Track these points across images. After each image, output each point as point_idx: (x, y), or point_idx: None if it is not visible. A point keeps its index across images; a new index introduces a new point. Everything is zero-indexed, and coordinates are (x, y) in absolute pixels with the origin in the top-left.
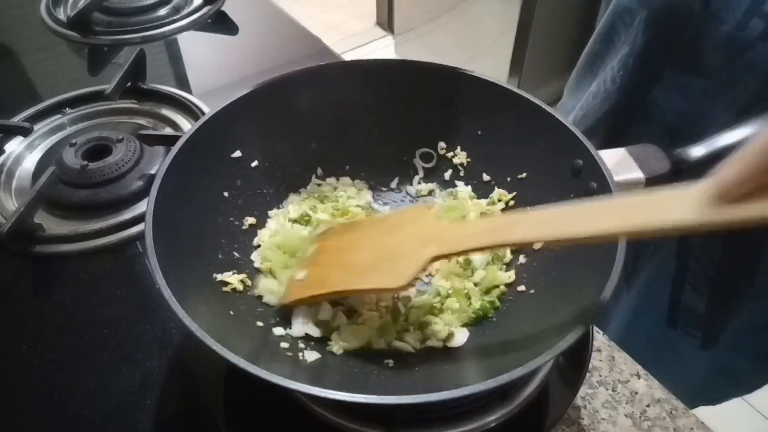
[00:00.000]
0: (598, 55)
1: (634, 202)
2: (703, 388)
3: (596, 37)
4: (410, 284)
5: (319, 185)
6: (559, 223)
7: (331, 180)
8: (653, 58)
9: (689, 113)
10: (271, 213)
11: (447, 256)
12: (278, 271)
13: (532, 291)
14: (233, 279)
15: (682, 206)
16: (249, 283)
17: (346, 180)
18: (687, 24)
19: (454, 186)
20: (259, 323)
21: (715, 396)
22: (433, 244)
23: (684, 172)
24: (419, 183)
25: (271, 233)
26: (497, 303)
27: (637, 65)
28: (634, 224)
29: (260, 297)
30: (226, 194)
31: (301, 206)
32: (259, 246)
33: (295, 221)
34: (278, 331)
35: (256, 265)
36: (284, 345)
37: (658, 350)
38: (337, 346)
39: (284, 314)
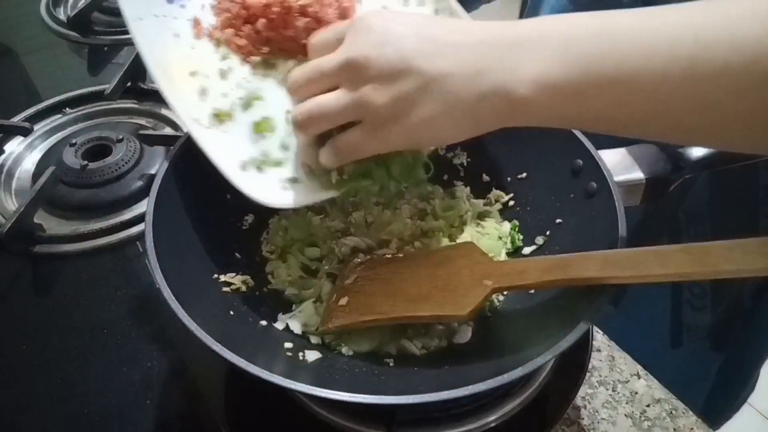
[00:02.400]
0: None
1: (700, 248)
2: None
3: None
4: (474, 315)
5: None
6: (625, 263)
7: None
8: None
9: None
10: None
11: (508, 289)
12: (285, 255)
13: (533, 291)
14: (236, 280)
15: (747, 254)
16: (252, 284)
17: None
18: None
19: (453, 186)
20: (260, 323)
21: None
22: (494, 276)
23: (684, 172)
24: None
25: (281, 217)
26: (496, 303)
27: None
28: (700, 270)
29: (260, 297)
30: (225, 194)
31: None
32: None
33: (309, 209)
34: (280, 326)
35: (264, 252)
36: (287, 345)
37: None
38: (346, 348)
39: (284, 314)
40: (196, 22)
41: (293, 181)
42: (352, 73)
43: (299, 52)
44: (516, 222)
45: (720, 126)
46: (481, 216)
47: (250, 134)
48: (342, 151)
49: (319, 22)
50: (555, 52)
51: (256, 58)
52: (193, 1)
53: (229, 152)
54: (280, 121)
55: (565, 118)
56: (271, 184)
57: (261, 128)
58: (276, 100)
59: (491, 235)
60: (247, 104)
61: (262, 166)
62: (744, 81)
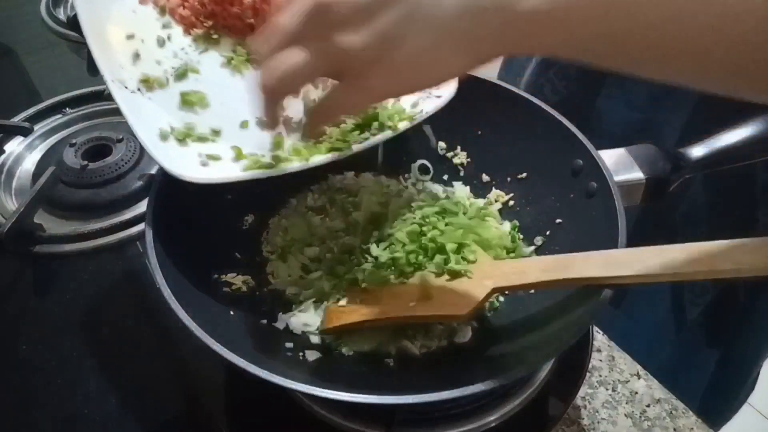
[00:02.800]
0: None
1: (700, 248)
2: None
3: None
4: (474, 315)
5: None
6: (625, 263)
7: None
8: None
9: (636, 120)
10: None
11: (508, 289)
12: (285, 255)
13: (533, 291)
14: (237, 280)
15: (746, 254)
16: (252, 284)
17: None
18: None
19: (452, 186)
20: (260, 323)
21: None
22: (495, 276)
23: (684, 172)
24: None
25: (281, 217)
26: (496, 304)
27: (578, 75)
28: (700, 269)
29: (260, 297)
30: (225, 194)
31: (321, 197)
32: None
33: (310, 209)
34: (280, 326)
35: (264, 252)
36: (287, 345)
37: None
38: (346, 348)
39: (284, 313)
40: None
41: (214, 157)
42: (319, 22)
43: (244, 31)
44: (516, 222)
45: (752, 66)
46: (481, 216)
47: (177, 105)
48: (325, 116)
49: (266, 1)
50: None
51: (198, 31)
52: None
53: (150, 118)
54: (215, 101)
55: (574, 41)
56: (191, 159)
57: (190, 101)
58: (213, 79)
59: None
60: (181, 75)
61: (185, 138)
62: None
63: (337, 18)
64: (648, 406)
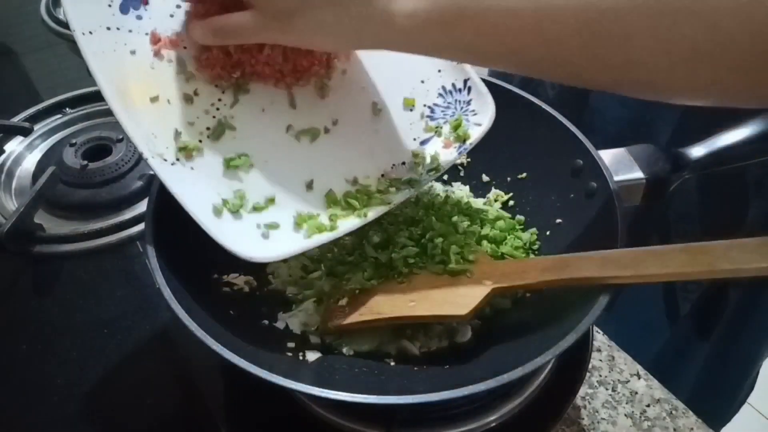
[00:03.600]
0: None
1: (700, 248)
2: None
3: None
4: (474, 315)
5: None
6: (625, 263)
7: None
8: None
9: (630, 119)
10: None
11: (508, 289)
12: None
13: (533, 291)
14: (239, 281)
15: (746, 254)
16: (255, 284)
17: None
18: None
19: (452, 186)
20: (260, 323)
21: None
22: (495, 276)
23: (684, 172)
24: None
25: None
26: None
27: None
28: (699, 269)
29: (261, 297)
30: None
31: None
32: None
33: None
34: (280, 325)
35: None
36: (288, 345)
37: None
38: (346, 348)
39: (284, 313)
40: (154, 37)
41: (273, 227)
42: None
43: (274, 77)
44: (535, 230)
45: (565, 61)
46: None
47: (221, 171)
48: (225, 31)
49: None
50: None
51: (225, 83)
52: (152, 11)
53: (199, 193)
54: (258, 159)
55: (438, 47)
56: (250, 232)
57: (234, 165)
58: (252, 132)
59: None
60: (217, 135)
61: (238, 210)
62: (580, 17)
63: None
64: (648, 406)
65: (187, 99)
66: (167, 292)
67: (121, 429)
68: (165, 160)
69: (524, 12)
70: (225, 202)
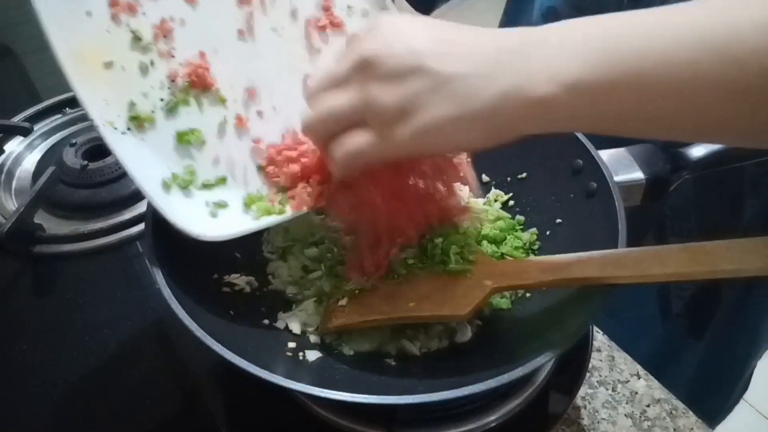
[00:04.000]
0: None
1: (700, 248)
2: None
3: None
4: (473, 315)
5: None
6: (625, 263)
7: None
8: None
9: None
10: None
11: (508, 289)
12: (286, 255)
13: (533, 291)
14: (240, 281)
15: (746, 254)
16: (256, 285)
17: None
18: None
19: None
20: (260, 323)
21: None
22: (495, 276)
23: (683, 172)
24: None
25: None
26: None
27: None
28: (699, 269)
29: (261, 297)
30: None
31: None
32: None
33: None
34: (280, 325)
35: (265, 252)
36: (288, 345)
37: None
38: (347, 348)
39: (284, 313)
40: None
41: (222, 206)
42: (362, 72)
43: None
44: (535, 230)
45: (752, 115)
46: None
47: (173, 146)
48: (346, 154)
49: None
50: (575, 48)
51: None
52: None
53: (149, 166)
54: (211, 135)
55: (589, 119)
56: (198, 209)
57: (186, 140)
58: (206, 109)
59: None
60: (171, 108)
61: (189, 187)
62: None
63: (379, 72)
64: (648, 406)
65: (143, 69)
66: (167, 292)
67: (121, 429)
68: (116, 128)
69: (702, 62)
70: (175, 176)
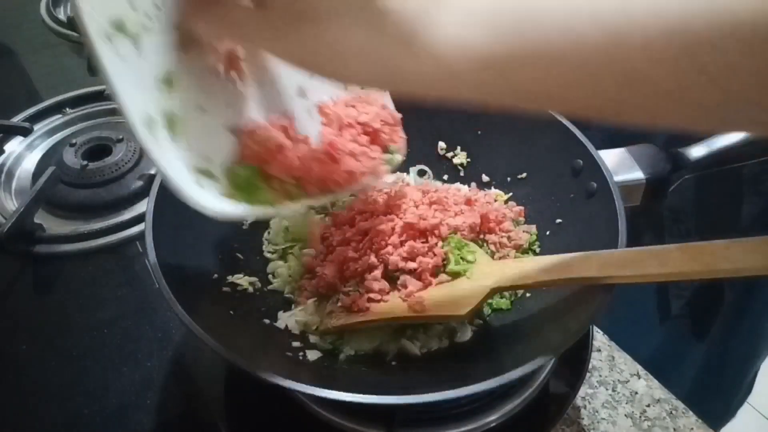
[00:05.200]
0: None
1: (699, 248)
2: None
3: None
4: (473, 315)
5: None
6: (624, 263)
7: None
8: None
9: None
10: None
11: (508, 289)
12: (286, 255)
13: (530, 292)
14: (244, 281)
15: (745, 254)
16: (258, 285)
17: None
18: None
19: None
20: (260, 323)
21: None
22: (495, 276)
23: (684, 172)
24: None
25: (282, 218)
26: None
27: None
28: (698, 269)
29: (261, 296)
30: None
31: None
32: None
33: (312, 207)
34: (280, 325)
35: (265, 252)
36: (288, 344)
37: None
38: (347, 348)
39: (285, 312)
40: None
41: (209, 175)
42: None
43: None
44: (535, 229)
45: (649, 100)
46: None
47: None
48: (227, 24)
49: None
50: (482, 18)
51: None
52: None
53: (135, 91)
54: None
55: (489, 90)
56: (183, 167)
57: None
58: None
59: None
60: (166, 80)
61: (173, 127)
62: (668, 52)
63: None
64: (648, 406)
65: None
66: (167, 292)
67: (121, 429)
68: (107, 37)
69: (597, 44)
70: (165, 114)
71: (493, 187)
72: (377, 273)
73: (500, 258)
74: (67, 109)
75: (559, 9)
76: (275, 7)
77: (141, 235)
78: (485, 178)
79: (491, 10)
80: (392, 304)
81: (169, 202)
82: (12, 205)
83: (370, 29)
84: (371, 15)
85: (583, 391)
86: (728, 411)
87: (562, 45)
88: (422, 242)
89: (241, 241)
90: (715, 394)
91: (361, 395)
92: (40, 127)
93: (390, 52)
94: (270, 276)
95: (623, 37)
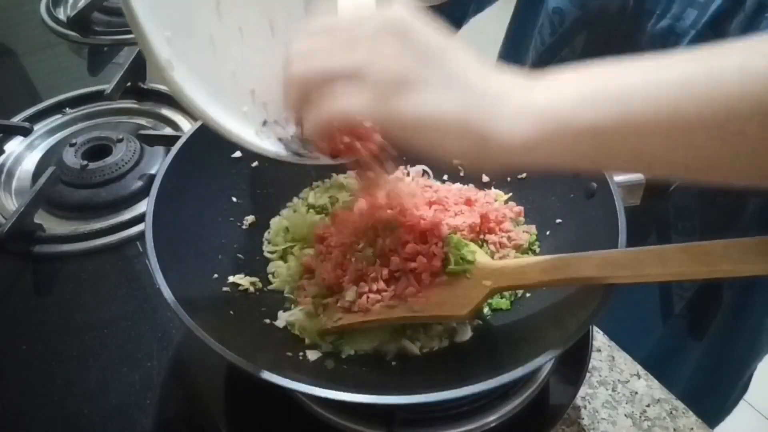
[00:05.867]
0: (517, 53)
1: (699, 248)
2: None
3: (514, 36)
4: (473, 314)
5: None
6: (624, 263)
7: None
8: (589, 58)
9: None
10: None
11: (508, 289)
12: (286, 255)
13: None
14: (245, 281)
15: (745, 254)
16: (259, 285)
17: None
18: (621, 22)
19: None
20: (260, 322)
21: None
22: (495, 276)
23: None
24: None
25: (282, 218)
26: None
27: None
28: (699, 269)
29: (261, 296)
30: (226, 194)
31: (323, 195)
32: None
33: (312, 207)
34: (280, 324)
35: (265, 252)
36: (288, 344)
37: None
38: (347, 348)
39: (285, 312)
40: None
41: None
42: (386, 33)
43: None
44: (534, 229)
45: (744, 155)
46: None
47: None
48: (335, 108)
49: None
50: (565, 91)
51: None
52: None
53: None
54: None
55: (575, 156)
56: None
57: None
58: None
59: None
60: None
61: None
62: (759, 111)
63: (404, 38)
64: (648, 406)
65: None
66: (167, 292)
67: (121, 429)
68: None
69: (689, 107)
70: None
71: (493, 187)
72: (377, 273)
73: (500, 258)
74: (67, 109)
75: (646, 78)
76: (373, 78)
77: (141, 235)
78: (485, 178)
79: (574, 82)
80: (392, 304)
81: (169, 203)
82: (12, 205)
83: (462, 97)
84: (461, 97)
85: (583, 391)
86: (724, 410)
87: (654, 112)
88: (422, 242)
89: (241, 241)
90: (711, 393)
91: (361, 395)
92: (40, 127)
93: (481, 126)
94: (270, 276)
95: (714, 97)
